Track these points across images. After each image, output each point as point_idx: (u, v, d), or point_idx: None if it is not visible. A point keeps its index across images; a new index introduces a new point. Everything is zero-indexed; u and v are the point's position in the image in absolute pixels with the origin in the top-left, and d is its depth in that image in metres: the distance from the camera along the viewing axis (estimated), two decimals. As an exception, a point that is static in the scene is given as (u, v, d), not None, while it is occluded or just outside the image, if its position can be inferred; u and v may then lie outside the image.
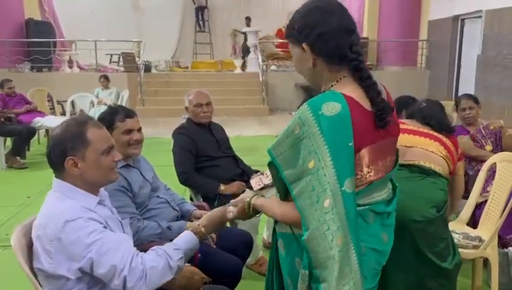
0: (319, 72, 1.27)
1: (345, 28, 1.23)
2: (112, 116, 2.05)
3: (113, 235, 1.43)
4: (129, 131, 2.06)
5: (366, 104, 1.21)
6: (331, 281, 1.12)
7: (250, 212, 1.42)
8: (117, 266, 1.36)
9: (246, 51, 12.70)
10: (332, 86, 1.25)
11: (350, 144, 1.14)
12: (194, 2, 14.56)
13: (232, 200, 1.53)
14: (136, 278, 1.38)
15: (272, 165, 1.26)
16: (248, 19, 13.39)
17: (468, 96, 3.27)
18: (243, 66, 11.82)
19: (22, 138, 5.63)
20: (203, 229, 1.56)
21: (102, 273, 1.37)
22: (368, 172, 1.22)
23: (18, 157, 5.63)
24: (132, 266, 1.38)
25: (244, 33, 12.79)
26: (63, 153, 1.45)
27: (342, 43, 1.22)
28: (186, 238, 1.53)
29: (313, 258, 1.14)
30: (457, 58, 9.32)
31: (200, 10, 14.63)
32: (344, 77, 1.25)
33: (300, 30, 1.25)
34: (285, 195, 1.28)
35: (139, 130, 2.12)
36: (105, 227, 1.43)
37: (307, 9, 1.26)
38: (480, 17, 8.10)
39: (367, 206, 1.24)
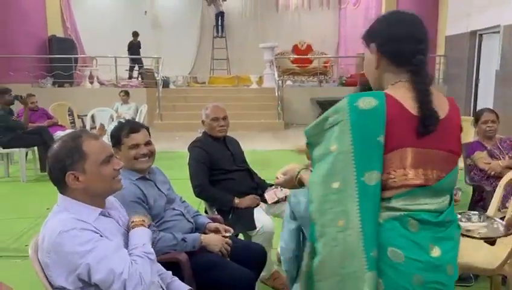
0: (381, 73, 1.35)
1: (412, 36, 1.30)
2: (118, 133, 2.06)
3: (109, 243, 1.46)
4: (135, 146, 2.04)
5: (412, 108, 1.25)
6: (321, 256, 1.23)
7: (296, 183, 1.49)
8: (115, 270, 1.39)
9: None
10: (388, 88, 1.32)
11: (378, 138, 1.20)
12: (209, 2, 14.37)
13: (282, 169, 1.59)
14: (135, 283, 1.41)
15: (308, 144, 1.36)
16: (135, 34, 12.73)
17: (491, 110, 3.28)
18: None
19: (46, 148, 5.78)
20: None
21: (100, 278, 1.39)
22: (413, 174, 1.24)
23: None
24: (131, 270, 1.42)
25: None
26: (63, 169, 1.46)
27: (407, 48, 1.29)
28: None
29: (316, 231, 1.24)
30: (475, 73, 9.21)
31: (220, 15, 14.57)
32: (401, 81, 1.31)
33: (371, 32, 1.36)
34: None
35: (147, 143, 2.08)
36: (101, 236, 1.45)
37: (382, 17, 1.38)
38: (498, 32, 8.02)
39: (406, 212, 1.23)
